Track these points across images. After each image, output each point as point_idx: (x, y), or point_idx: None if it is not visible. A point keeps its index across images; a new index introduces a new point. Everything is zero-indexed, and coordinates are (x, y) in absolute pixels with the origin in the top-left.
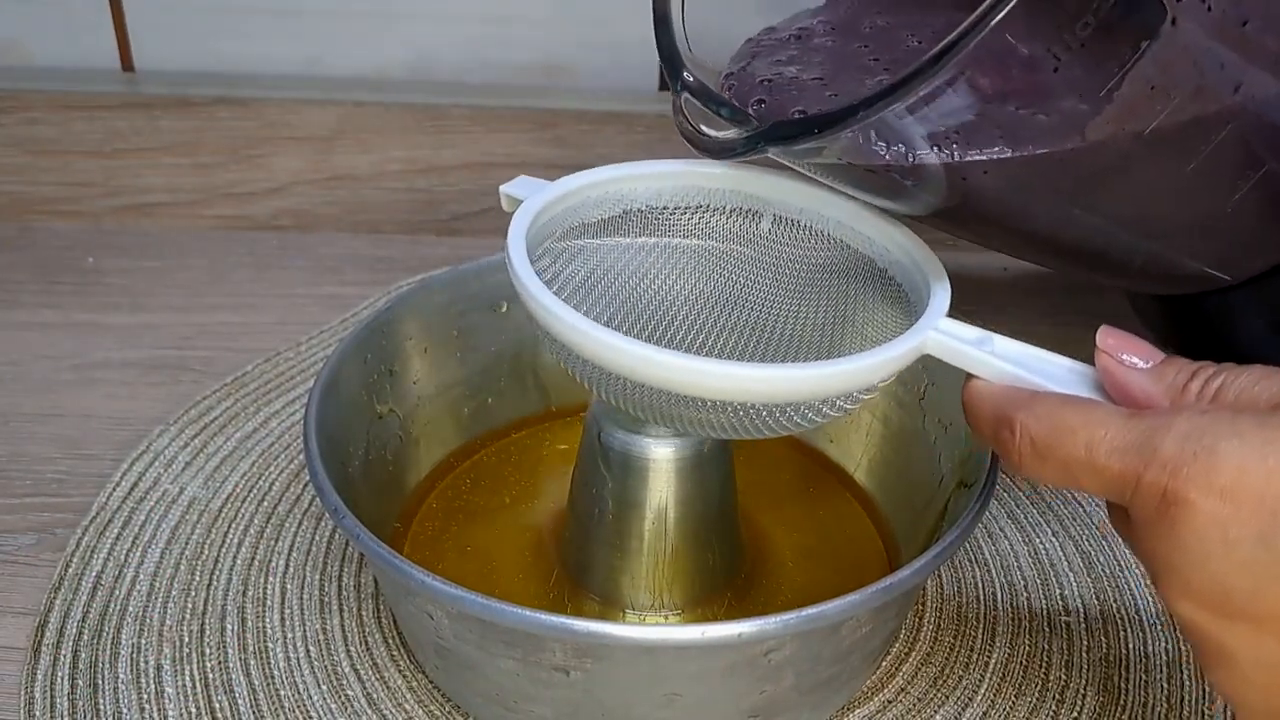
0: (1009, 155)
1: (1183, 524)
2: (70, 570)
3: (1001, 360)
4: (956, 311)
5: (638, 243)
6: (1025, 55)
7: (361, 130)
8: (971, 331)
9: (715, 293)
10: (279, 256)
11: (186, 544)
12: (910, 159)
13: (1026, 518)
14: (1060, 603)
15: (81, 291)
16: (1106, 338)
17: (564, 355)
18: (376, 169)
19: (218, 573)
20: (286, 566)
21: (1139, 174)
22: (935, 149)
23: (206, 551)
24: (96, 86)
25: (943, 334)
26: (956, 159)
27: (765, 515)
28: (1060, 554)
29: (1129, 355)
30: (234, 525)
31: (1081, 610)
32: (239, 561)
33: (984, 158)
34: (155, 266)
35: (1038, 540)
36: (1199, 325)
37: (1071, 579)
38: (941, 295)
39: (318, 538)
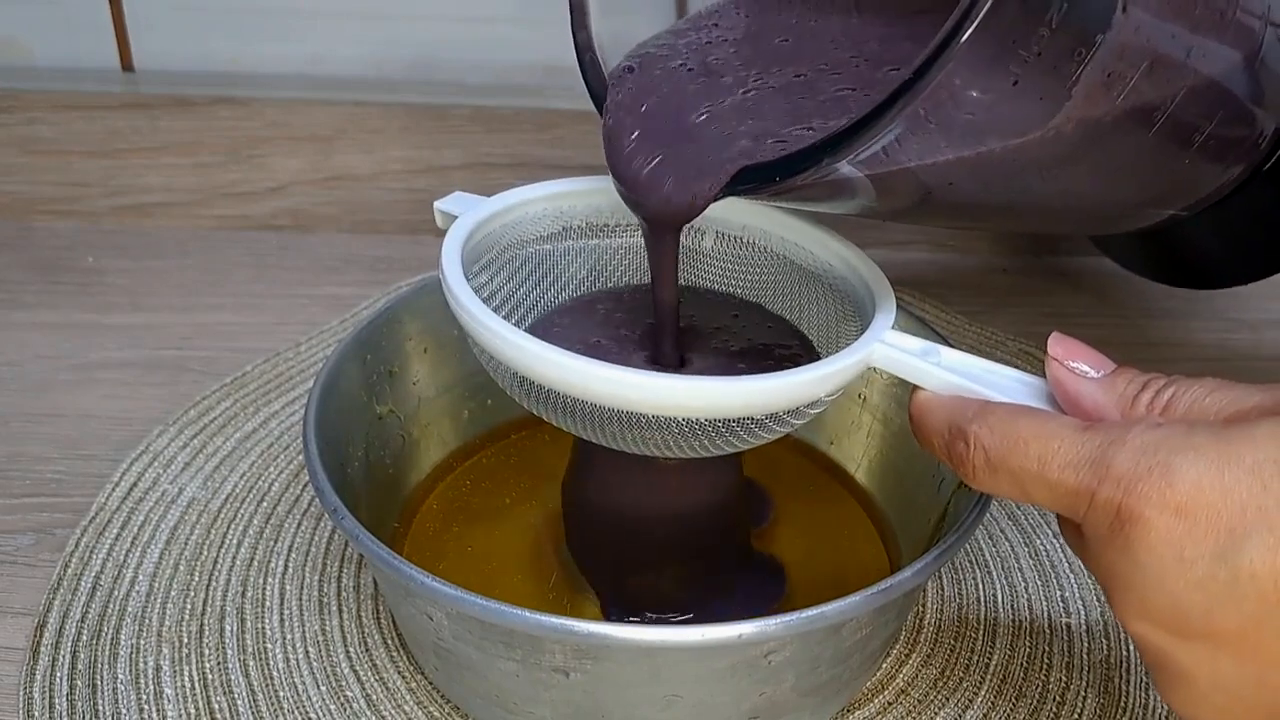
0: (964, 156)
1: (1138, 542)
2: (69, 571)
3: (948, 372)
4: (957, 312)
5: (580, 247)
6: (983, 79)
7: (361, 130)
8: (917, 343)
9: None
10: (279, 256)
11: (186, 544)
12: (861, 172)
13: (1027, 519)
14: (1061, 605)
15: (81, 291)
16: (1056, 345)
17: (500, 372)
18: (376, 169)
19: (217, 573)
20: (286, 567)
21: (1098, 152)
22: (886, 162)
23: (206, 552)
24: (96, 86)
25: (888, 346)
26: (912, 166)
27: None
28: (1061, 556)
29: (1079, 363)
30: (233, 526)
31: (1082, 612)
32: (238, 562)
33: (937, 162)
34: (155, 266)
35: (1038, 542)
36: (1159, 251)
37: (1072, 581)
38: (886, 308)
39: (317, 538)
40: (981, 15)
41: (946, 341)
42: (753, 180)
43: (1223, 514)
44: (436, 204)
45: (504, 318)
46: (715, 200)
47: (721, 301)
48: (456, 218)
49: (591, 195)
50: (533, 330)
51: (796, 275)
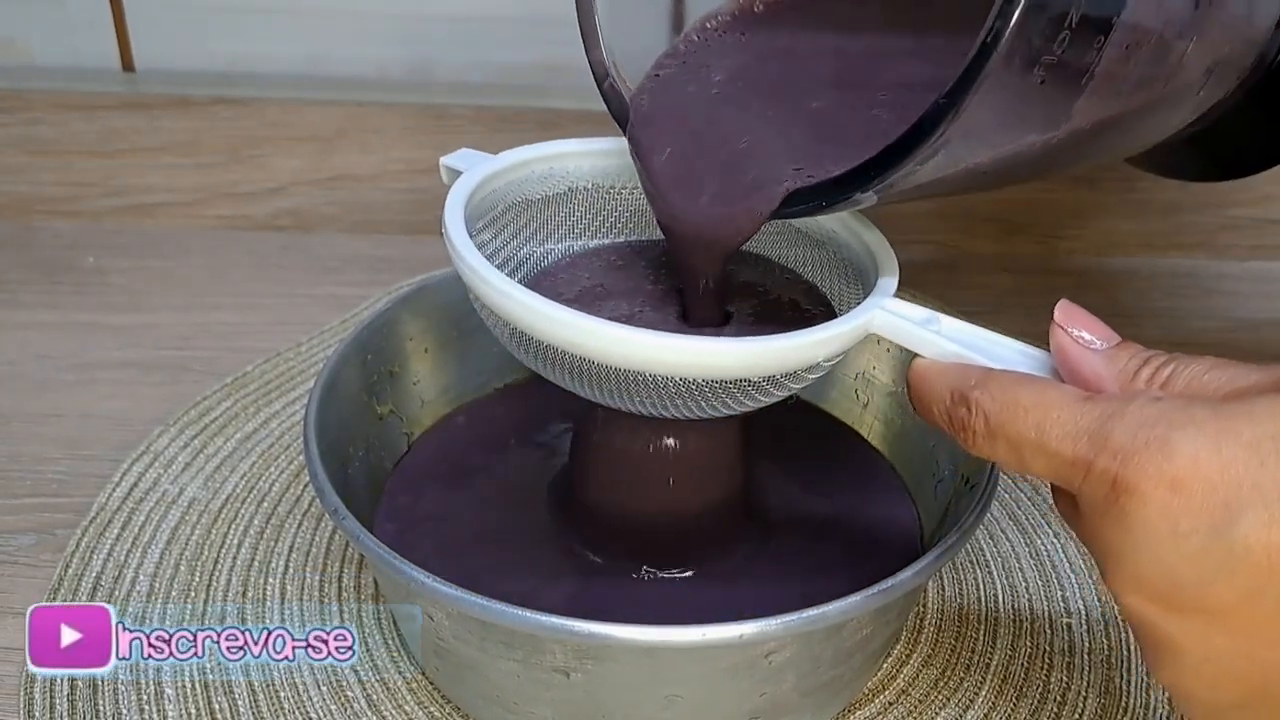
0: (992, 156)
1: (1132, 514)
2: (70, 571)
3: (949, 340)
4: (959, 313)
5: (584, 208)
6: (1010, 90)
7: (362, 130)
8: (919, 311)
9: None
10: (279, 256)
11: (186, 545)
12: (901, 185)
13: (1028, 518)
14: (1062, 604)
15: (81, 291)
16: (1062, 311)
17: (500, 328)
18: (377, 169)
19: (217, 573)
20: (286, 567)
21: (1120, 112)
22: (915, 176)
23: (206, 552)
24: (96, 86)
25: (889, 313)
26: (937, 177)
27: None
28: (1062, 555)
29: (1084, 332)
30: (234, 526)
31: (1083, 611)
32: (239, 562)
33: (967, 165)
34: (155, 266)
35: (1039, 541)
36: (1182, 151)
37: (1073, 580)
38: (889, 275)
39: (317, 538)
40: (1004, 43)
41: None
42: (801, 204)
43: (1219, 488)
44: (443, 159)
45: (506, 275)
46: (761, 224)
47: (742, 259)
48: (461, 174)
49: (597, 156)
50: (534, 285)
51: (800, 241)
